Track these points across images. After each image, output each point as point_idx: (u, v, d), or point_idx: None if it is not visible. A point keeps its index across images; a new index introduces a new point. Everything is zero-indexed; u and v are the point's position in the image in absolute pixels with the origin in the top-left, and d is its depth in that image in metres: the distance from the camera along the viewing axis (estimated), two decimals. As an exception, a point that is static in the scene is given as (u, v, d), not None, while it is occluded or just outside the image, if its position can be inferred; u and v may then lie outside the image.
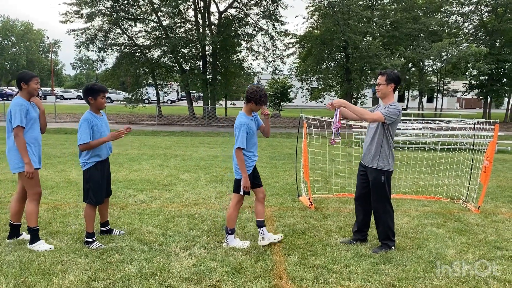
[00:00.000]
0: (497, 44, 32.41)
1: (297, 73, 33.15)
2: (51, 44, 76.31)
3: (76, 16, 27.44)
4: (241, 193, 4.74)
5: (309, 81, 32.74)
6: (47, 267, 4.09)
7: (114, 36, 29.29)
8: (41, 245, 4.58)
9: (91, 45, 28.58)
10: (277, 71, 30.99)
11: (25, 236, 4.87)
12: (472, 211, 6.59)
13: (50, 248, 4.56)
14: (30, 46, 75.44)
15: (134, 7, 28.39)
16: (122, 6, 27.90)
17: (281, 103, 36.87)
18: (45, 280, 3.83)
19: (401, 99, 53.69)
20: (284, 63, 31.26)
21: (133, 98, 30.46)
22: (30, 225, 4.59)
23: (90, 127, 4.57)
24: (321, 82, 31.91)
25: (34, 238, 4.60)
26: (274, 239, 4.87)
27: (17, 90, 4.67)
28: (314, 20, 31.07)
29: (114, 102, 50.14)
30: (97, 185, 4.71)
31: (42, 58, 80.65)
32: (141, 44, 30.02)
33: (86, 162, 4.66)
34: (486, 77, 33.36)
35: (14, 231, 4.85)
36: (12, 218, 4.81)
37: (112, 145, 4.98)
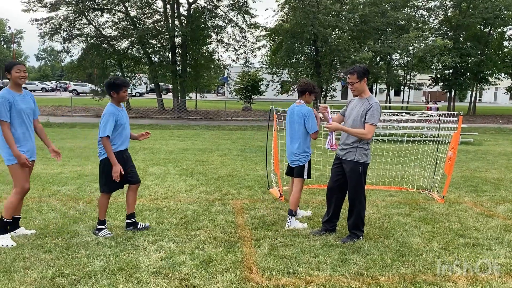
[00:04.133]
0: (460, 39, 33.42)
1: (267, 66, 33.15)
2: (13, 34, 73.48)
3: (39, 4, 26.46)
4: (305, 177, 5.30)
5: (279, 74, 32.82)
6: (8, 264, 3.93)
7: (79, 27, 28.44)
8: (5, 240, 4.44)
9: (55, 35, 27.66)
10: (248, 63, 30.87)
11: (24, 230, 4.80)
12: (437, 200, 6.78)
13: (12, 245, 4.40)
14: (-9, 36, 72.40)
15: (101, -4, 27.60)
16: (88, -5, 27.08)
17: (252, 96, 36.83)
18: (5, 277, 3.68)
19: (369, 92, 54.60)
20: (254, 55, 31.18)
21: (100, 90, 29.72)
22: (4, 216, 4.49)
23: (115, 120, 4.62)
24: (292, 75, 32.02)
25: (2, 230, 4.47)
26: (301, 227, 5.26)
27: None
28: (284, 13, 31.09)
29: (81, 94, 48.92)
30: (111, 174, 4.67)
31: (3, 49, 77.57)
32: (108, 35, 29.26)
33: (103, 152, 4.68)
34: (451, 71, 34.38)
35: (15, 224, 4.77)
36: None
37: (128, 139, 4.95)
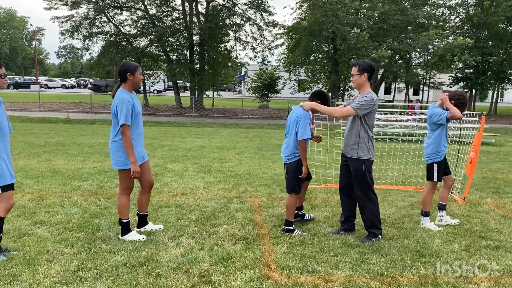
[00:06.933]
0: (482, 37, 32.77)
1: (285, 64, 33.06)
2: (34, 32, 74.87)
3: (61, 3, 26.90)
4: (435, 179, 5.34)
5: (297, 73, 32.69)
6: (32, 257, 4.02)
7: (99, 24, 28.83)
8: (134, 236, 4.58)
9: (76, 33, 28.08)
10: (265, 62, 30.84)
11: (152, 225, 4.96)
12: (458, 201, 6.67)
13: (143, 238, 4.56)
14: (13, 33, 73.91)
15: (121, -5, 27.91)
16: (108, -6, 27.41)
17: (269, 95, 36.77)
18: (30, 270, 3.77)
19: (387, 91, 54.05)
20: (272, 53, 31.17)
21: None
22: (121, 217, 4.59)
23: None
24: (309, 74, 31.87)
25: (126, 230, 4.60)
26: (452, 222, 5.46)
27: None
28: (303, 11, 30.97)
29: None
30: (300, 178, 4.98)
31: (25, 46, 79.11)
32: (127, 32, 29.59)
33: (296, 154, 4.93)
34: (471, 70, 33.74)
35: (142, 221, 4.94)
36: (139, 209, 4.92)
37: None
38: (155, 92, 51.48)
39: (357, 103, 4.63)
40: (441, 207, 5.54)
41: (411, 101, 26.90)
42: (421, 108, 23.82)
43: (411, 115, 13.91)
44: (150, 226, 4.94)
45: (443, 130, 5.34)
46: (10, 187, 3.92)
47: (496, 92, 36.68)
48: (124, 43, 29.42)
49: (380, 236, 4.81)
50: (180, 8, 29.11)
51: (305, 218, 5.42)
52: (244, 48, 30.86)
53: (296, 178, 4.93)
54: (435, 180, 5.36)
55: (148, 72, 32.54)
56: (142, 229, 4.88)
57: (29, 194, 6.23)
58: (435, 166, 5.33)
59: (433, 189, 5.43)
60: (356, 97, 4.86)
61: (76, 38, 28.68)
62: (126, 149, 4.38)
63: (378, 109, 5.08)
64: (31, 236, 4.56)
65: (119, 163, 4.48)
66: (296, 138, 4.87)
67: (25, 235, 4.61)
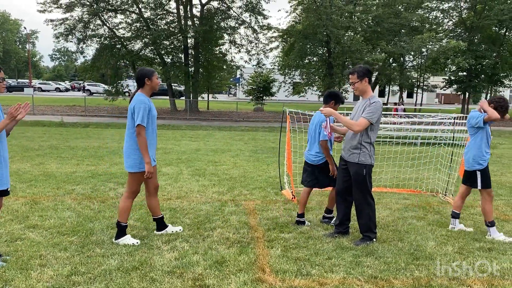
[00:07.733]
0: (475, 40, 33.02)
1: (279, 67, 33.13)
2: (28, 35, 74.55)
3: (55, 6, 26.78)
4: (480, 187, 5.25)
5: (291, 76, 32.77)
6: (25, 262, 3.99)
7: (94, 27, 28.70)
8: (128, 240, 4.56)
9: (70, 36, 27.97)
10: (260, 65, 30.88)
11: (172, 228, 4.97)
12: (451, 204, 6.70)
13: (137, 243, 4.54)
14: (7, 36, 73.54)
15: (115, -2, 27.85)
16: (102, -3, 27.34)
17: (264, 97, 36.84)
18: (23, 274, 3.74)
19: (381, 94, 54.26)
20: (267, 56, 31.15)
21: (113, 90, 29.96)
22: (121, 220, 4.56)
23: None
24: (304, 77, 31.96)
25: (121, 233, 4.57)
26: (466, 230, 5.40)
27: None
28: (297, 14, 31.08)
29: (94, 94, 49.40)
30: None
31: (19, 49, 78.74)
32: (121, 36, 29.51)
33: (322, 156, 5.34)
34: (465, 73, 33.97)
35: (160, 224, 4.93)
36: (153, 214, 4.92)
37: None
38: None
39: (367, 112, 4.62)
40: (455, 215, 5.45)
41: (396, 103, 27.55)
42: (404, 110, 24.02)
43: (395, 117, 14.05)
44: (170, 229, 4.95)
45: (483, 135, 5.21)
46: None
47: (489, 94, 36.94)
48: (118, 46, 29.32)
49: (374, 239, 4.83)
50: (175, 11, 29.09)
51: (305, 225, 5.47)
52: (239, 51, 30.82)
53: (328, 177, 5.36)
54: (479, 188, 5.22)
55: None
56: (163, 232, 4.88)
57: (22, 198, 6.19)
58: (478, 174, 5.21)
59: (489, 196, 5.26)
60: (356, 103, 4.91)
61: (70, 41, 28.60)
62: (141, 149, 4.38)
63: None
64: (24, 241, 4.54)
65: (133, 165, 4.46)
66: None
67: (18, 239, 4.58)
